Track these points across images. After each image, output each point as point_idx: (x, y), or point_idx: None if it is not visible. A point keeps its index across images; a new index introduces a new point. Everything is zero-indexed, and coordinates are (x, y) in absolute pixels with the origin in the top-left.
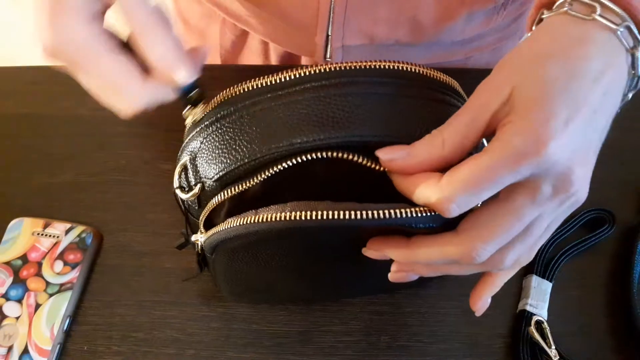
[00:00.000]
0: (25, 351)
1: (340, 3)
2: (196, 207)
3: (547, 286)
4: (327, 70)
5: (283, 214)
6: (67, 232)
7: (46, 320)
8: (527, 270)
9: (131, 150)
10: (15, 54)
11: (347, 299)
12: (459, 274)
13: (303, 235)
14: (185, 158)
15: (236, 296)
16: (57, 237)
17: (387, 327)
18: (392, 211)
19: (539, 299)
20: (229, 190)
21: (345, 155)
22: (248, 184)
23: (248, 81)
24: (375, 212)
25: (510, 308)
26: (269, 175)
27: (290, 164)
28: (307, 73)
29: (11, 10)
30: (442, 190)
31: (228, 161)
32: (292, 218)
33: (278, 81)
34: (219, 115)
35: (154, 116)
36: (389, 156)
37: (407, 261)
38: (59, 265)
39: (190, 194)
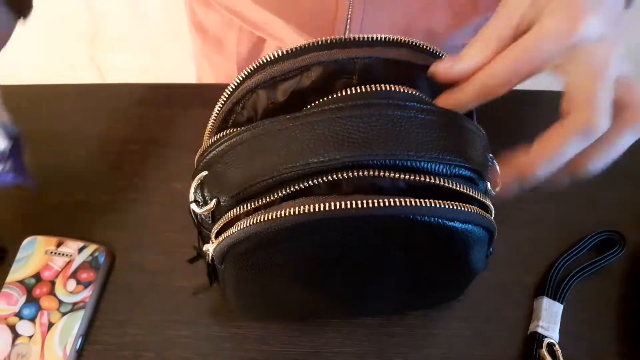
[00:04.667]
0: None
1: (358, 12)
2: (209, 222)
3: (558, 308)
4: (345, 93)
5: (292, 209)
6: (80, 250)
7: (59, 340)
8: (538, 292)
9: (144, 169)
10: (17, 70)
11: (358, 317)
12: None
13: (312, 233)
14: (202, 173)
15: (246, 311)
16: (70, 255)
17: (399, 348)
18: (399, 200)
19: (550, 321)
20: (244, 205)
21: (361, 173)
22: (264, 201)
23: None
24: (383, 201)
25: (521, 330)
26: (286, 194)
27: (307, 185)
28: (329, 97)
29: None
30: (485, 75)
31: (244, 178)
32: (301, 212)
33: None
34: (240, 134)
35: (168, 135)
36: (443, 67)
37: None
38: (72, 284)
39: (205, 208)
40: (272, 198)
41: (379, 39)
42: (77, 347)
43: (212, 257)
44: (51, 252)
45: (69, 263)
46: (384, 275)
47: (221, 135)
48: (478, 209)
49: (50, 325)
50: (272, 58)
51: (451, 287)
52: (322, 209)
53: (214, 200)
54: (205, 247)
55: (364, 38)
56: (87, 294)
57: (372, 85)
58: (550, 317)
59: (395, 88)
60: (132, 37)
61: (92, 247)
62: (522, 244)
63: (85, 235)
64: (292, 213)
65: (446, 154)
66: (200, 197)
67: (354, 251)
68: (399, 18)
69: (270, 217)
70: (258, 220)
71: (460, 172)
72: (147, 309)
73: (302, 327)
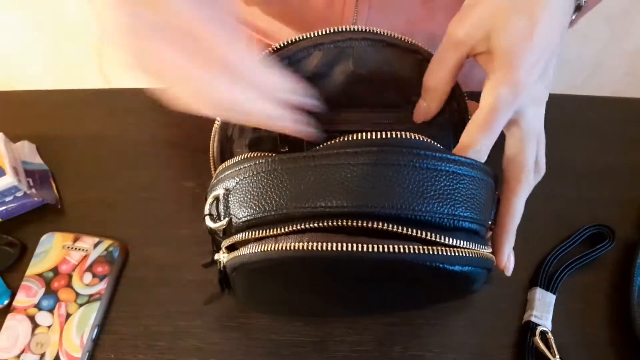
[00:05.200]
0: (57, 358)
1: (362, 19)
2: (221, 234)
3: (551, 298)
4: (361, 138)
5: (300, 244)
6: (96, 246)
7: (76, 329)
8: (532, 283)
9: (156, 169)
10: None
11: (363, 315)
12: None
13: (319, 266)
14: (219, 191)
15: (254, 307)
16: (86, 250)
17: (399, 337)
18: (403, 247)
19: (543, 310)
20: (253, 232)
21: (366, 224)
22: (272, 232)
23: None
24: (388, 246)
25: (516, 320)
26: (293, 230)
27: (313, 226)
28: (344, 139)
29: (31, 34)
30: (467, 141)
31: (257, 208)
32: (309, 248)
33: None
34: (256, 162)
35: (178, 137)
36: (420, 116)
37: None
38: (88, 277)
39: (218, 224)
40: (280, 231)
41: (371, 30)
42: (94, 336)
43: (223, 266)
44: (68, 247)
45: (85, 257)
46: (386, 295)
47: (242, 158)
48: (478, 251)
49: (68, 316)
50: (280, 46)
51: (452, 300)
52: (329, 248)
53: (227, 219)
54: (217, 257)
55: (359, 29)
56: (102, 286)
57: (387, 132)
58: (543, 307)
59: (409, 136)
60: None
61: (106, 243)
62: (517, 238)
63: (101, 231)
64: (300, 248)
65: (453, 208)
66: (215, 212)
67: (358, 281)
68: (402, 25)
69: (279, 248)
70: (268, 248)
71: (465, 225)
72: (159, 301)
73: (306, 318)
